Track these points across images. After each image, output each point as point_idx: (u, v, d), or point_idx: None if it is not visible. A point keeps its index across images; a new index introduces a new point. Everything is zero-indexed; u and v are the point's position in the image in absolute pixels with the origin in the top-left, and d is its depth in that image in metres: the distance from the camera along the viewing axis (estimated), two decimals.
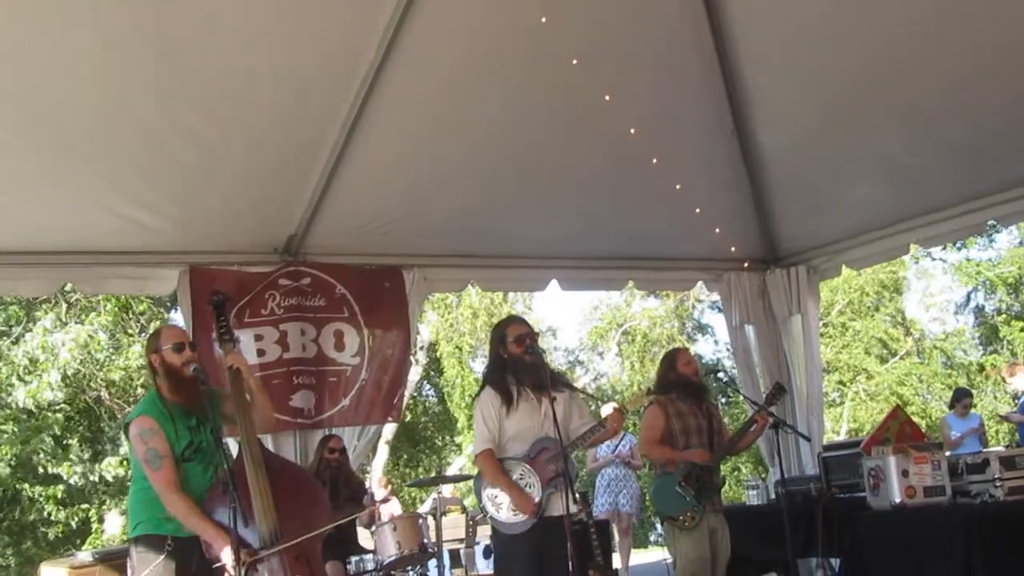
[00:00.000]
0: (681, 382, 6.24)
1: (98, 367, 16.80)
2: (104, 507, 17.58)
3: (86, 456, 17.68)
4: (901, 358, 25.77)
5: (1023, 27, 5.82)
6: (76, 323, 16.36)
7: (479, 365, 22.39)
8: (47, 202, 6.24)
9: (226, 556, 4.20)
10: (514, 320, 5.78)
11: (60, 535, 17.74)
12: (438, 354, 22.38)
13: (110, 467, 16.51)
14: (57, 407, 17.01)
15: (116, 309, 17.13)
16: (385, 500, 10.91)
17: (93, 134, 5.84)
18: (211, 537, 4.31)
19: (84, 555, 6.87)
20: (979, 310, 26.97)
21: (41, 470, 16.55)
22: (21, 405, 15.72)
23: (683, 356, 6.45)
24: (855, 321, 25.65)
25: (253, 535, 4.32)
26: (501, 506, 5.25)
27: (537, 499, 5.18)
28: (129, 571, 4.55)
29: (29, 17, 5.02)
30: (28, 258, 6.63)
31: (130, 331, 17.81)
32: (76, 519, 17.48)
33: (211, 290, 5.28)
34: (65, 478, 16.43)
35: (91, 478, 16.63)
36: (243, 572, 4.16)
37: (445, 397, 23.29)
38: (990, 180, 7.17)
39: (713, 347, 28.19)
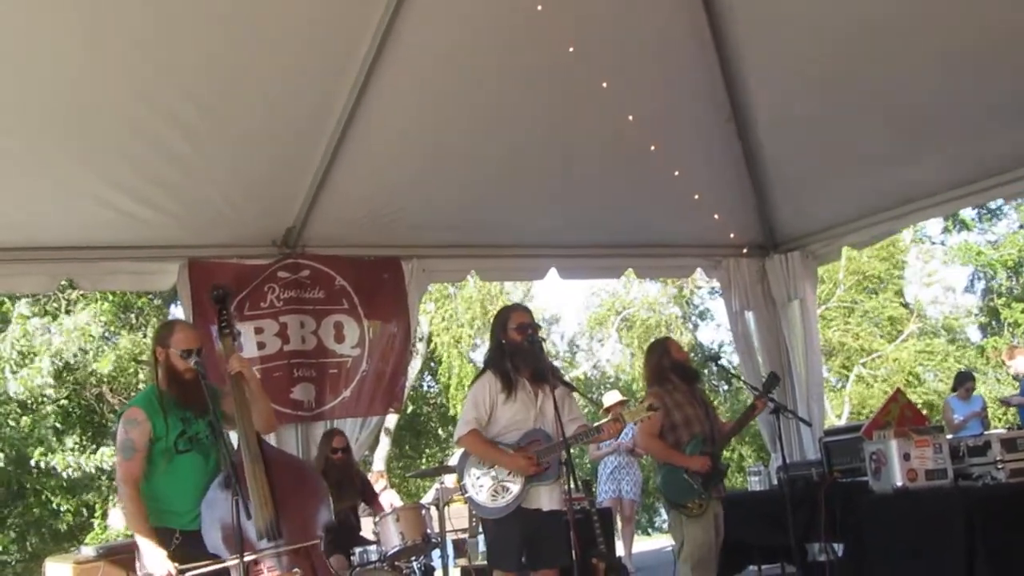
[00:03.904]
0: (677, 367, 6.24)
1: (91, 359, 16.61)
2: (109, 500, 17.57)
3: (88, 449, 17.65)
4: (905, 339, 25.72)
5: (1013, 7, 5.82)
6: (66, 315, 16.22)
7: (476, 356, 22.43)
8: (45, 199, 6.24)
9: (154, 568, 4.29)
10: (518, 308, 5.75)
11: (67, 527, 17.65)
12: (434, 346, 22.38)
13: (106, 456, 16.31)
14: (52, 400, 16.90)
15: (113, 308, 17.05)
16: (383, 489, 10.93)
17: (86, 130, 5.84)
18: (145, 547, 4.36)
19: (88, 550, 6.86)
20: (986, 291, 26.98)
21: (37, 464, 16.45)
22: (13, 395, 15.57)
23: (674, 344, 6.50)
24: (860, 302, 25.62)
25: (251, 529, 4.35)
26: (482, 489, 5.22)
27: (518, 488, 5.15)
28: (138, 565, 4.58)
29: (17, 16, 5.02)
30: (27, 254, 6.62)
31: (128, 323, 17.77)
32: (79, 509, 17.36)
33: (212, 285, 5.30)
34: (59, 470, 16.33)
35: (86, 468, 16.48)
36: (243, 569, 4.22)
37: (442, 389, 23.32)
38: (983, 162, 7.15)
39: (715, 333, 28.21)
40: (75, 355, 16.09)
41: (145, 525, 4.41)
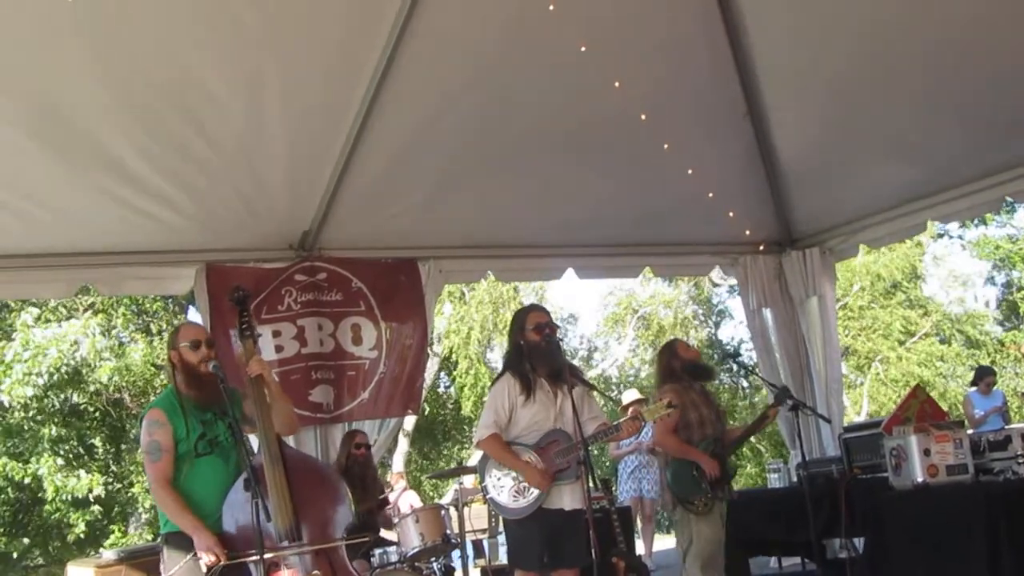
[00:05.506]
0: (689, 366, 6.28)
1: (91, 367, 16.46)
2: (127, 507, 17.58)
3: (110, 451, 17.64)
4: (920, 338, 25.54)
5: None
6: (67, 320, 16.12)
7: (492, 358, 22.43)
8: (63, 204, 6.26)
9: (204, 552, 4.31)
10: (534, 308, 5.81)
11: (87, 532, 17.64)
12: (452, 347, 22.39)
13: (88, 485, 16.12)
14: (56, 408, 16.85)
15: (128, 312, 17.05)
16: (403, 490, 10.94)
17: (105, 135, 5.86)
18: (196, 535, 4.37)
19: (109, 554, 6.92)
20: (1006, 285, 26.77)
21: (30, 482, 16.34)
22: (16, 403, 15.48)
23: (681, 344, 6.55)
24: (873, 306, 25.44)
25: (272, 531, 4.36)
26: (503, 490, 5.26)
27: (539, 488, 5.17)
28: (162, 568, 4.60)
29: (34, 18, 5.05)
30: (45, 260, 6.65)
31: (145, 328, 17.79)
32: (87, 521, 17.35)
33: (232, 287, 5.31)
34: (47, 493, 16.24)
35: (69, 496, 16.23)
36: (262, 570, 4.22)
37: (456, 391, 23.33)
38: (1006, 154, 7.09)
39: (735, 330, 28.11)
40: (75, 362, 15.95)
41: (189, 515, 4.42)
